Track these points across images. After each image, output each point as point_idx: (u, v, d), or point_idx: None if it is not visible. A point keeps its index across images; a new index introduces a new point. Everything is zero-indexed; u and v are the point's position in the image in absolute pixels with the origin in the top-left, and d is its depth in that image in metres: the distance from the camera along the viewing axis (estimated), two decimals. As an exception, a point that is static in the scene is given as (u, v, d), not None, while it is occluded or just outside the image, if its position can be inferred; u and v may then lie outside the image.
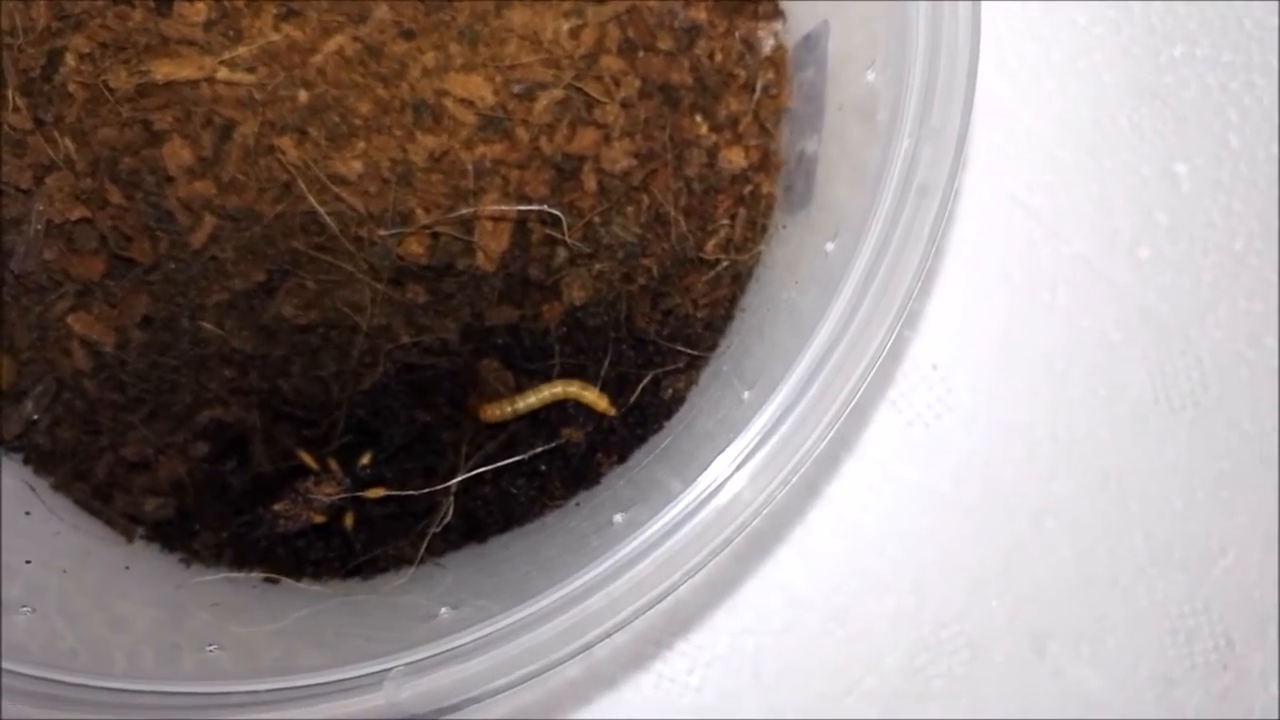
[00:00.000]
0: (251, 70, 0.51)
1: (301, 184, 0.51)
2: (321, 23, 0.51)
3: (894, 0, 0.44)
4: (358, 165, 0.52)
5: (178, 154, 0.51)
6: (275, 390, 0.53)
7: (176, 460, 0.53)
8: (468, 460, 0.53)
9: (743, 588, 0.64)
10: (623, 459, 0.55)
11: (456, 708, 0.40)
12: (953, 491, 0.67)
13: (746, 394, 0.47)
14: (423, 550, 0.52)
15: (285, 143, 0.51)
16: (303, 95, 0.51)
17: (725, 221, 0.57)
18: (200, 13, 0.51)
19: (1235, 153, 0.71)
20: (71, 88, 0.50)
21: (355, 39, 0.52)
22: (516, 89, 0.53)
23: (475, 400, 0.54)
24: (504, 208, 0.53)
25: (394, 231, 0.52)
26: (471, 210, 0.52)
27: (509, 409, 0.53)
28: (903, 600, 0.66)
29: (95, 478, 0.53)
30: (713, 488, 0.42)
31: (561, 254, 0.55)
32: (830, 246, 0.47)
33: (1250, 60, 0.71)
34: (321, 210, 0.51)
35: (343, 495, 0.52)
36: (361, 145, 0.52)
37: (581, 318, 0.55)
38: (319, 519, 0.52)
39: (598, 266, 0.55)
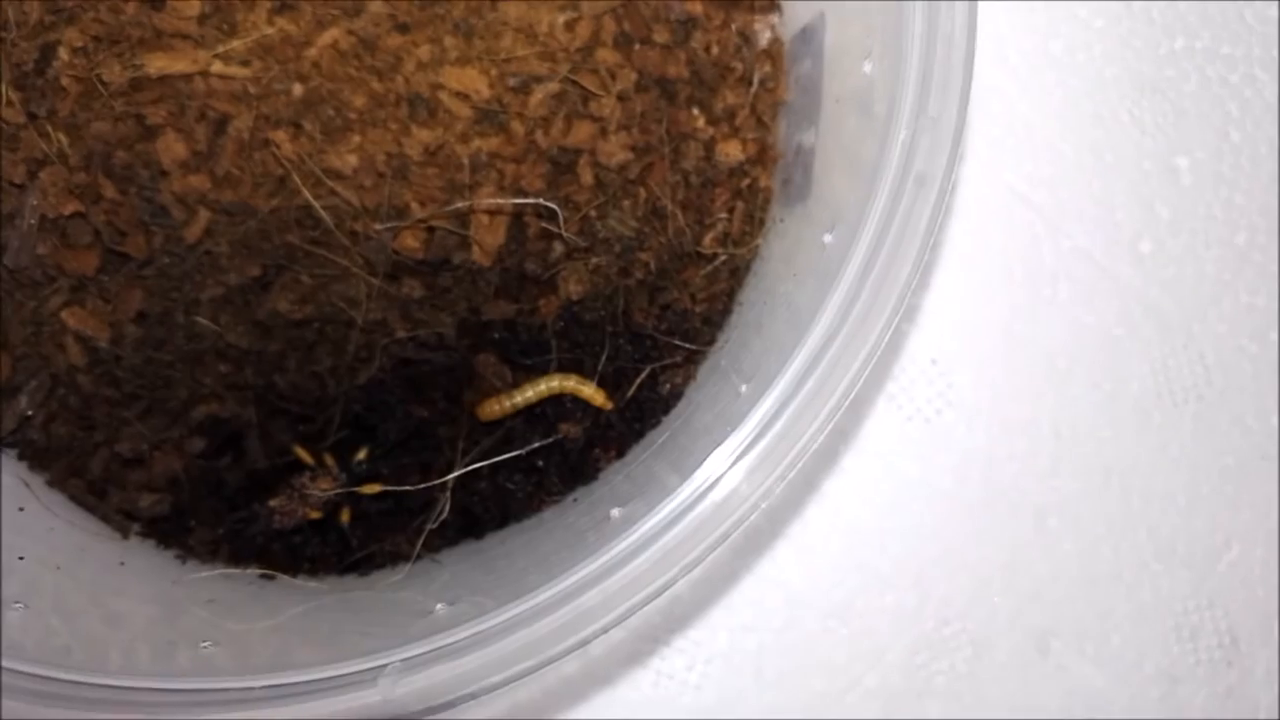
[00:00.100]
0: (246, 64, 0.51)
1: (296, 178, 0.51)
2: (316, 16, 0.51)
3: (891, -10, 0.44)
4: (353, 159, 0.52)
5: (172, 148, 0.50)
6: (271, 385, 0.53)
7: (172, 456, 0.53)
8: (464, 456, 0.53)
9: (743, 585, 0.64)
10: (620, 454, 0.55)
11: (452, 704, 0.39)
12: (954, 488, 0.66)
13: (744, 388, 0.46)
14: (419, 546, 0.52)
15: (280, 137, 0.51)
16: (297, 89, 0.51)
17: (723, 215, 0.56)
18: (194, 6, 0.50)
19: (1236, 146, 0.70)
20: (65, 82, 0.50)
21: (350, 32, 0.51)
22: (512, 82, 0.53)
23: (472, 398, 0.54)
24: (500, 201, 0.53)
25: (389, 226, 0.52)
26: (467, 204, 0.52)
27: (507, 404, 0.53)
28: (904, 597, 0.65)
29: (90, 474, 0.53)
30: (709, 482, 0.41)
31: (558, 248, 0.54)
32: (828, 239, 0.47)
33: (1251, 53, 0.71)
34: (316, 205, 0.51)
35: (339, 491, 0.52)
36: (356, 139, 0.52)
37: (578, 312, 0.55)
38: (315, 515, 0.52)
39: (594, 260, 0.55)
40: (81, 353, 0.52)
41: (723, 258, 0.56)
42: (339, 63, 0.51)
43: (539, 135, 0.53)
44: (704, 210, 0.56)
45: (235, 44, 0.50)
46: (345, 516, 0.53)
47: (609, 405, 0.54)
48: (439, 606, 0.45)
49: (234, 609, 0.49)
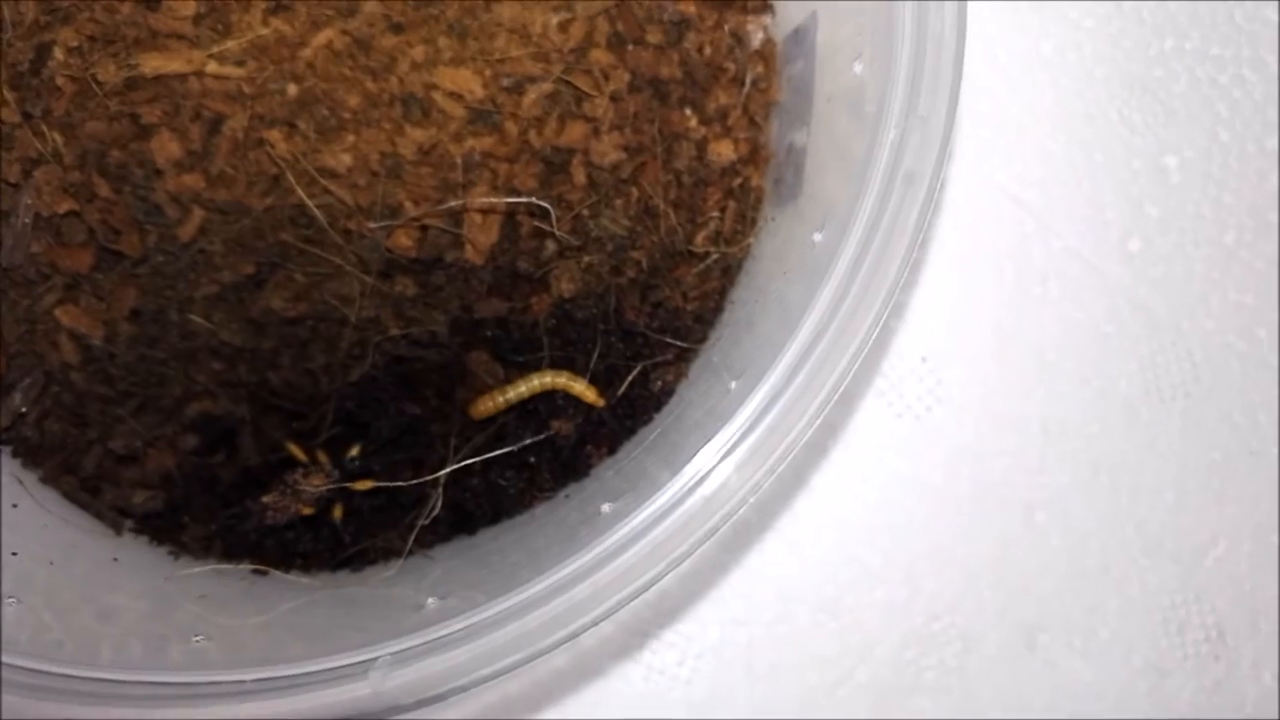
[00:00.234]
0: (240, 64, 0.51)
1: (290, 177, 0.51)
2: (310, 17, 0.52)
3: (880, -9, 0.44)
4: (347, 158, 0.52)
5: (166, 147, 0.51)
6: (264, 383, 0.53)
7: (165, 453, 0.53)
8: (456, 452, 0.53)
9: (733, 579, 0.64)
10: (612, 451, 0.55)
11: (442, 697, 0.40)
12: (943, 483, 0.67)
13: (734, 384, 0.47)
14: (411, 542, 0.52)
15: (274, 136, 0.51)
16: (292, 89, 0.51)
17: (714, 214, 0.57)
18: (189, 7, 0.51)
19: (1225, 146, 0.71)
20: (60, 81, 0.50)
21: (344, 33, 0.52)
22: (505, 82, 0.53)
23: (464, 395, 0.54)
24: (493, 200, 0.53)
25: (383, 224, 0.52)
26: (460, 203, 0.53)
27: (500, 400, 0.53)
28: (894, 592, 0.66)
29: (84, 470, 0.53)
30: (698, 477, 0.42)
31: (550, 247, 0.55)
32: (818, 237, 0.47)
33: (1240, 54, 0.71)
34: (310, 203, 0.51)
35: (331, 487, 0.52)
36: (350, 139, 0.52)
37: (570, 310, 0.55)
38: (307, 511, 0.52)
39: (587, 259, 0.55)
40: (75, 350, 0.52)
41: (714, 256, 0.56)
42: (333, 63, 0.52)
43: (532, 135, 0.54)
44: (696, 209, 0.56)
45: (230, 44, 0.51)
46: (338, 512, 0.54)
47: (600, 402, 0.54)
48: (430, 601, 0.45)
49: (226, 604, 0.50)
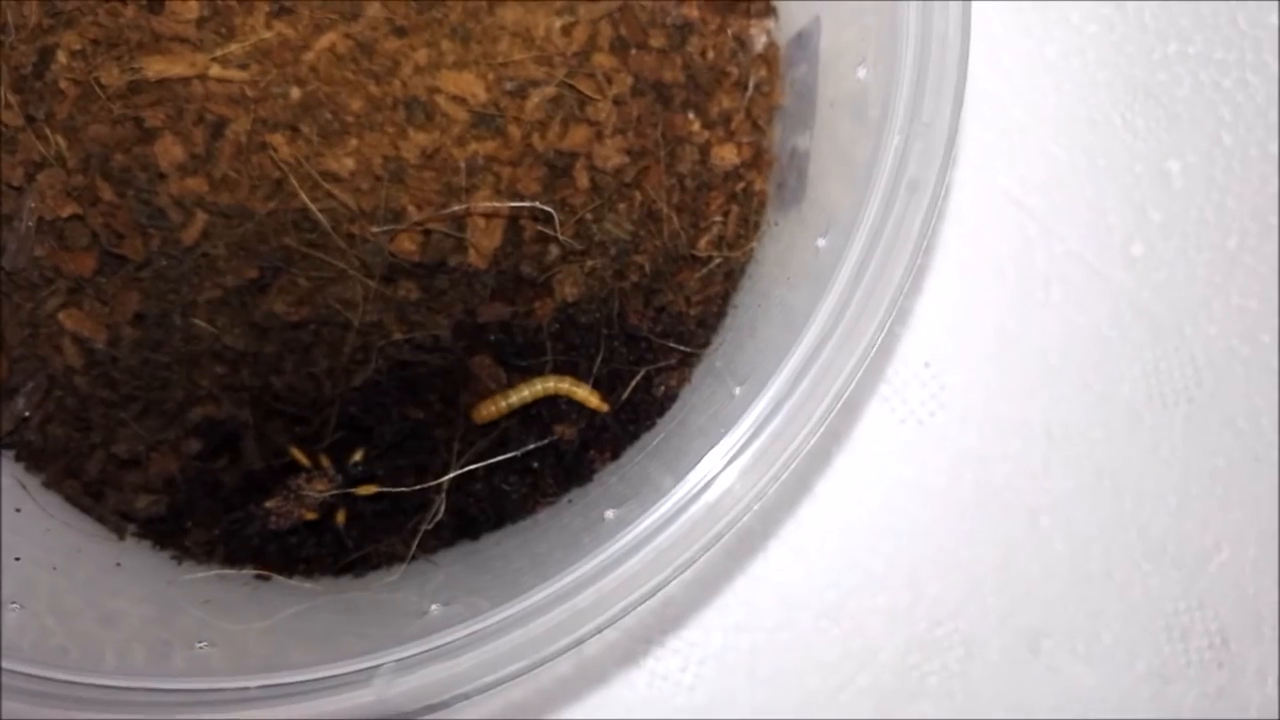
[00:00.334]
0: (243, 67, 0.51)
1: (293, 181, 0.51)
2: (313, 20, 0.52)
3: (884, -3, 0.44)
4: (350, 162, 0.52)
5: (169, 151, 0.51)
6: (267, 387, 0.53)
7: (168, 457, 0.53)
8: (460, 457, 0.53)
9: (736, 585, 0.64)
10: (615, 456, 0.55)
11: (446, 704, 0.39)
12: (947, 488, 0.67)
13: (738, 390, 0.46)
14: (414, 547, 0.52)
15: (277, 140, 0.51)
16: (295, 92, 0.51)
17: (717, 218, 0.57)
18: (192, 10, 0.51)
19: (1228, 150, 0.71)
20: (63, 85, 0.50)
21: (347, 36, 0.52)
22: (509, 86, 0.53)
23: (467, 400, 0.54)
24: (496, 205, 0.53)
25: (386, 228, 0.52)
26: (464, 207, 0.52)
27: (502, 405, 0.53)
28: (897, 597, 0.66)
29: (86, 475, 0.53)
30: (703, 483, 0.41)
31: (554, 251, 0.55)
32: (821, 243, 0.47)
33: (1243, 58, 0.71)
34: (313, 207, 0.51)
35: (334, 492, 0.52)
36: (353, 142, 0.52)
37: (574, 315, 0.55)
38: (310, 516, 0.52)
39: (590, 263, 0.55)
40: (78, 354, 0.52)
41: (717, 261, 0.56)
42: (336, 66, 0.52)
43: (535, 139, 0.54)
44: (699, 214, 0.56)
45: (233, 48, 0.51)
46: (341, 518, 0.54)
47: (604, 407, 0.54)
48: (434, 607, 0.45)
49: (229, 609, 0.49)
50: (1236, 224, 0.70)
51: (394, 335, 0.53)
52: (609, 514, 0.46)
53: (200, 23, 0.51)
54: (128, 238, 0.51)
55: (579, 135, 0.54)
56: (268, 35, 0.51)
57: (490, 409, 0.53)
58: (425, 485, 0.52)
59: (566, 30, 0.54)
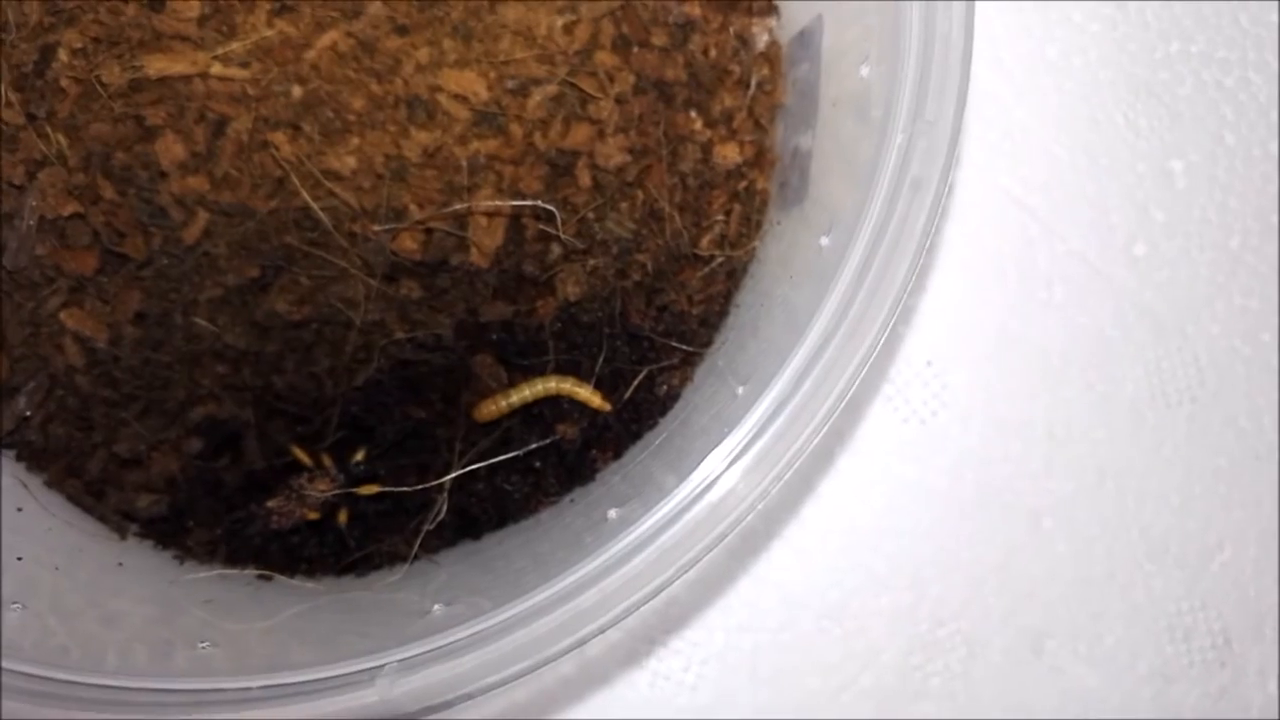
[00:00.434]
0: (245, 66, 0.51)
1: (295, 180, 0.51)
2: (315, 18, 0.51)
3: (887, -5, 0.44)
4: (351, 161, 0.52)
5: (171, 149, 0.51)
6: (269, 386, 0.53)
7: (169, 457, 0.53)
8: (462, 457, 0.53)
9: (739, 585, 0.64)
10: (618, 455, 0.55)
11: (449, 704, 0.39)
12: (949, 488, 0.66)
13: (740, 389, 0.46)
14: (416, 547, 0.52)
15: (279, 138, 0.51)
16: (296, 91, 0.51)
17: (720, 217, 0.57)
18: (194, 8, 0.51)
19: (1231, 149, 0.71)
20: (64, 83, 0.50)
21: (349, 35, 0.51)
22: (510, 85, 0.53)
23: (469, 399, 0.54)
24: (498, 203, 0.53)
25: (388, 227, 0.52)
26: (465, 206, 0.52)
27: (503, 404, 0.53)
28: (899, 598, 0.65)
29: (88, 474, 0.53)
30: (706, 483, 0.41)
31: (556, 250, 0.55)
32: (824, 241, 0.47)
33: (1245, 57, 0.71)
34: (315, 206, 0.51)
35: (336, 492, 0.52)
36: (355, 141, 0.52)
37: (576, 314, 0.55)
38: (312, 516, 0.52)
39: (592, 262, 0.55)
40: (80, 353, 0.52)
41: (720, 260, 0.56)
42: (338, 65, 0.51)
43: (537, 137, 0.53)
44: (701, 212, 0.56)
45: (234, 46, 0.51)
46: (343, 517, 0.53)
47: (606, 407, 0.54)
48: (436, 607, 0.45)
49: (231, 609, 0.49)
50: (1239, 223, 0.70)
51: (396, 334, 0.53)
52: (612, 514, 0.46)
53: (201, 21, 0.51)
54: (129, 236, 0.51)
55: (581, 134, 0.54)
56: (269, 33, 0.51)
57: (491, 408, 0.53)
58: (427, 485, 0.52)
59: (568, 29, 0.54)
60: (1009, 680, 0.66)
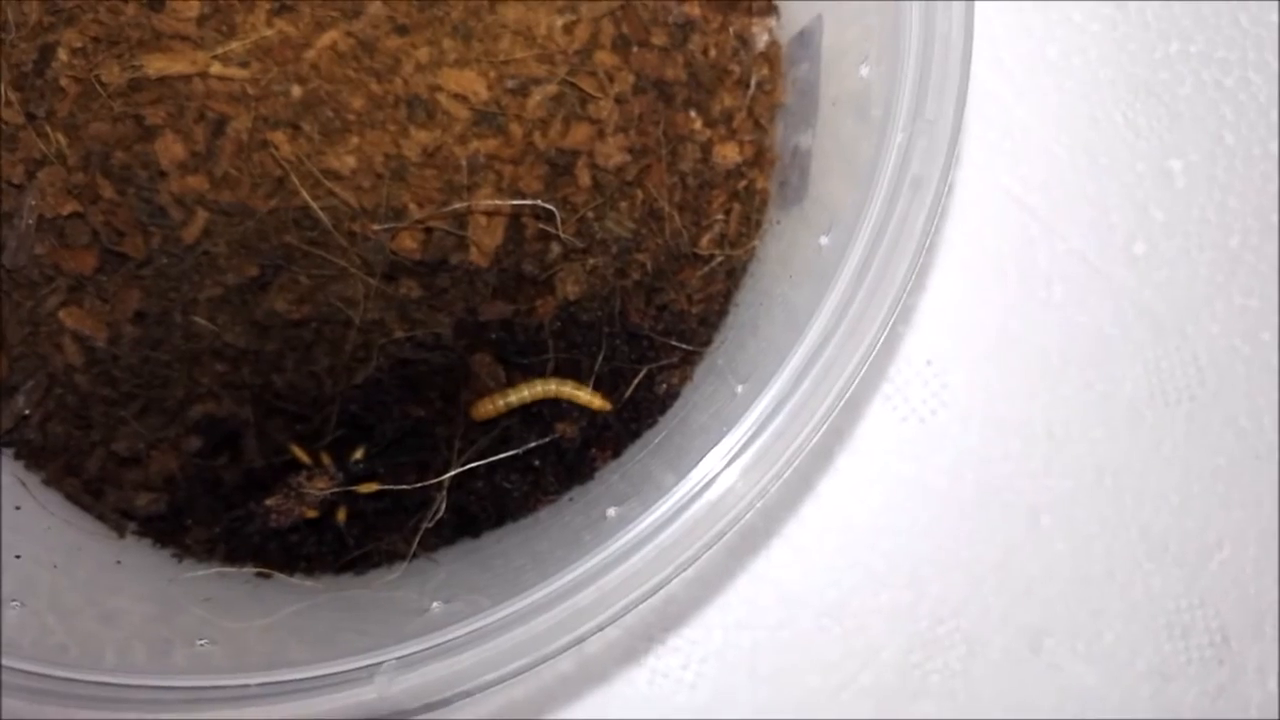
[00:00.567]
0: (244, 65, 0.51)
1: (294, 179, 0.51)
2: (315, 18, 0.51)
3: (887, -5, 0.44)
4: (351, 160, 0.52)
5: (170, 149, 0.51)
6: (268, 385, 0.53)
7: (168, 455, 0.53)
8: (461, 455, 0.53)
9: (738, 583, 0.64)
10: (617, 454, 0.55)
11: (447, 702, 0.39)
12: (948, 487, 0.67)
13: (740, 388, 0.46)
14: (415, 545, 0.52)
15: (278, 138, 0.51)
16: (296, 90, 0.51)
17: (719, 217, 0.57)
18: (193, 8, 0.51)
19: (1230, 149, 0.71)
20: (63, 82, 0.50)
21: (348, 34, 0.52)
22: (510, 84, 0.53)
23: (468, 398, 0.54)
24: (498, 203, 0.53)
25: (387, 226, 0.52)
26: (465, 205, 0.52)
27: (500, 403, 0.53)
28: (898, 596, 0.66)
29: (87, 473, 0.53)
30: (705, 482, 0.41)
31: (555, 249, 0.55)
32: (824, 241, 0.47)
33: (1245, 57, 0.71)
34: (314, 205, 0.51)
35: (335, 490, 0.52)
36: (355, 140, 0.52)
37: (575, 313, 0.55)
38: (311, 514, 0.52)
39: (591, 262, 0.55)
40: (79, 352, 0.52)
41: (719, 259, 0.56)
42: (338, 64, 0.51)
43: (537, 137, 0.53)
44: (701, 212, 0.56)
45: (234, 45, 0.51)
46: (342, 515, 0.53)
47: (605, 407, 0.54)
48: (435, 605, 0.45)
49: (230, 607, 0.49)
50: (1238, 223, 0.70)
51: (395, 333, 0.53)
52: (610, 512, 0.46)
53: (201, 20, 0.51)
54: (128, 235, 0.51)
55: (581, 133, 0.54)
56: (269, 33, 0.51)
57: (488, 407, 0.53)
58: (426, 483, 0.52)
59: (568, 28, 0.54)
60: (1008, 678, 0.66)
